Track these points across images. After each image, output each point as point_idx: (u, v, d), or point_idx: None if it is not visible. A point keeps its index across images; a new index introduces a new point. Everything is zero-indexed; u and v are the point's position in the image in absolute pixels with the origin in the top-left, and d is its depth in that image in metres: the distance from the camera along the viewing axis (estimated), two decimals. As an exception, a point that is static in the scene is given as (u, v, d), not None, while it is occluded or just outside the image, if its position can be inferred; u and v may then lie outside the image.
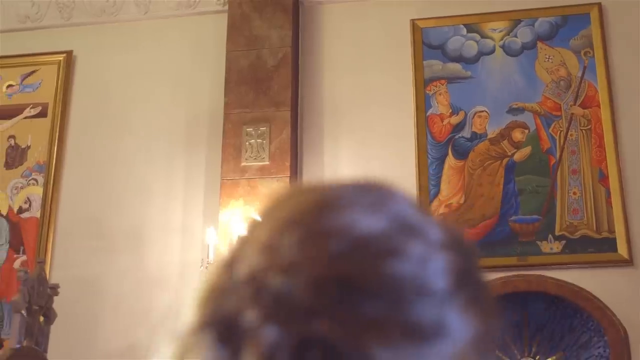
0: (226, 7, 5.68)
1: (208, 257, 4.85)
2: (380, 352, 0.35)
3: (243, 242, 0.41)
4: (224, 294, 0.39)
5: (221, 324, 0.38)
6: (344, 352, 0.35)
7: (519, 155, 5.14)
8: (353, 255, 0.37)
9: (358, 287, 0.36)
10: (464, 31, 5.45)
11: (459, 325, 0.39)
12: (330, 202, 0.41)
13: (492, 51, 5.38)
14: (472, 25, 5.45)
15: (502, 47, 5.37)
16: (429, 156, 5.21)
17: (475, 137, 5.22)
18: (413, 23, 5.51)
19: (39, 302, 3.69)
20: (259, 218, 0.43)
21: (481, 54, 5.39)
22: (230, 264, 0.41)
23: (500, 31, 5.41)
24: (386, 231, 0.40)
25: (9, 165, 5.78)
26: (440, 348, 0.37)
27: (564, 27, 5.33)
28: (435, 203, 5.10)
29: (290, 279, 0.36)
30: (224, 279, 0.41)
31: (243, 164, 5.20)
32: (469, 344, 0.39)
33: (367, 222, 0.39)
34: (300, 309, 0.35)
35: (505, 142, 5.18)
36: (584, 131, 5.12)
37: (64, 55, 5.95)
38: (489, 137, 5.20)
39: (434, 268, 0.40)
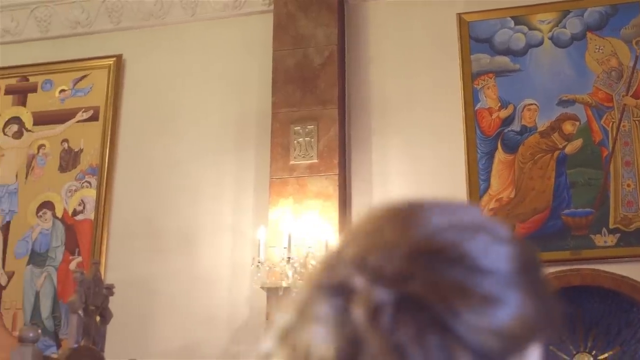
0: (272, 7, 5.71)
1: (259, 256, 4.89)
2: (458, 308, 0.46)
3: (347, 236, 0.53)
4: (335, 268, 0.50)
5: (334, 285, 0.49)
6: (432, 306, 0.46)
7: (571, 147, 5.06)
8: (436, 237, 0.49)
9: (441, 258, 0.48)
10: (512, 24, 5.39)
11: (515, 300, 0.49)
12: (417, 205, 0.53)
13: (541, 43, 5.31)
14: (520, 17, 5.38)
15: (551, 38, 5.30)
16: (478, 151, 5.17)
17: (525, 130, 5.16)
18: (459, 17, 5.47)
19: (95, 302, 3.76)
20: (356, 221, 0.54)
21: (529, 46, 5.32)
22: (338, 250, 0.52)
23: (549, 22, 5.34)
24: (460, 224, 0.51)
25: (63, 169, 5.90)
26: (499, 314, 0.47)
27: (615, 17, 5.24)
28: (485, 198, 5.06)
29: (389, 254, 0.48)
30: (334, 259, 0.52)
31: (292, 162, 5.22)
32: (524, 317, 0.49)
33: (444, 218, 0.51)
34: (399, 274, 0.46)
35: (556, 134, 5.11)
36: (637, 122, 5.03)
37: (114, 59, 6.05)
38: (539, 130, 5.14)
39: (498, 252, 0.51)
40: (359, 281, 0.48)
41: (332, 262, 0.51)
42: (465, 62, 5.36)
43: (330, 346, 0.47)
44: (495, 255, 0.50)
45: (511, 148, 5.15)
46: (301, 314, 0.50)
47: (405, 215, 0.50)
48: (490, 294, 0.48)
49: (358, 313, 0.47)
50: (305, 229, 4.97)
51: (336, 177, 5.14)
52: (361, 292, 0.47)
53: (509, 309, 0.48)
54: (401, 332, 0.45)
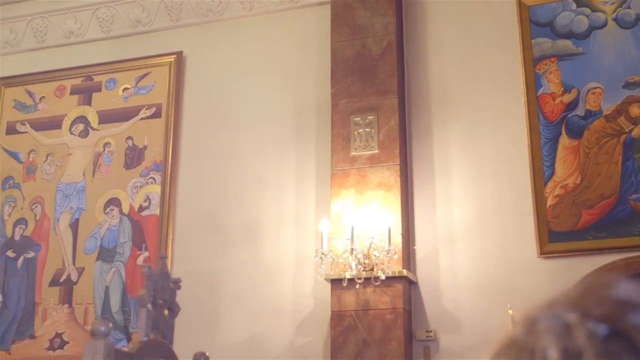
0: (329, -1, 5.71)
1: (322, 248, 4.90)
2: None
3: (560, 294, 0.69)
4: (550, 308, 0.67)
5: (554, 315, 0.65)
6: (631, 338, 0.61)
7: (638, 131, 4.94)
8: (630, 296, 0.65)
9: (633, 309, 0.64)
10: (574, 6, 5.28)
11: None
12: (614, 278, 0.69)
13: (604, 25, 5.19)
14: (582, -1, 5.27)
15: (615, 19, 5.17)
16: (542, 137, 5.08)
17: (590, 114, 5.06)
18: (519, 1, 5.38)
19: (163, 296, 3.81)
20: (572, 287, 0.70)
21: (592, 28, 5.20)
22: (552, 299, 0.68)
23: (612, 3, 5.21)
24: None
25: (128, 166, 6.01)
26: None
27: (681, -5, 5.08)
28: (550, 184, 4.98)
29: (599, 302, 0.65)
30: (548, 303, 0.67)
31: (352, 153, 5.22)
32: None
33: (631, 287, 0.67)
34: (607, 315, 0.63)
35: (622, 118, 4.99)
36: None
37: (175, 56, 6.13)
38: (604, 114, 5.03)
39: None
40: (572, 316, 0.64)
41: (546, 305, 0.68)
42: (526, 47, 5.28)
43: (556, 350, 0.62)
44: None
45: (576, 133, 5.05)
46: (528, 330, 0.65)
47: (608, 283, 0.68)
48: None
49: (579, 331, 0.62)
50: (368, 219, 4.96)
51: (397, 167, 5.12)
52: (577, 324, 0.63)
53: None
54: (609, 353, 0.60)
